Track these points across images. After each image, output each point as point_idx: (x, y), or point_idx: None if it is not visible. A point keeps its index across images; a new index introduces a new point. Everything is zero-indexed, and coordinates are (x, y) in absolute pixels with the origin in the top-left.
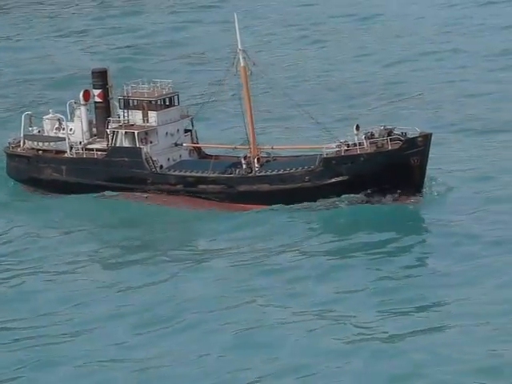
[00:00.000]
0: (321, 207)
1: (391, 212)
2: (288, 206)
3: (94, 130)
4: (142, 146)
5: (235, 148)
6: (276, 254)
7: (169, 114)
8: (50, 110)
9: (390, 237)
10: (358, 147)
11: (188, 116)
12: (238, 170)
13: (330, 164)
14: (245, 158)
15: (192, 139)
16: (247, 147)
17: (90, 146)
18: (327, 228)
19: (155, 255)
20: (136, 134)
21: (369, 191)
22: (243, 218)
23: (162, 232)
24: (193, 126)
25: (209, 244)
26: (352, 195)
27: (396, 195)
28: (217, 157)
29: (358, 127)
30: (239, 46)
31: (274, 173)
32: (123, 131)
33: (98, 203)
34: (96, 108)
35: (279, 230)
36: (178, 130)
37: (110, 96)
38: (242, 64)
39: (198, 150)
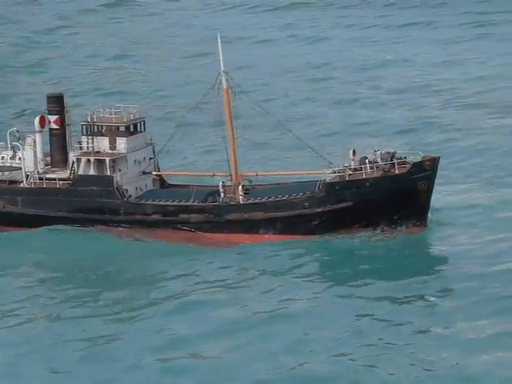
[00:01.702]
0: (321, 235)
1: (396, 242)
2: (285, 235)
3: (47, 158)
4: (113, 174)
5: (213, 175)
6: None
7: (137, 140)
8: None
9: (391, 269)
10: (363, 171)
11: (151, 143)
12: (220, 199)
13: (333, 189)
14: (223, 186)
15: (154, 168)
16: (227, 174)
17: (49, 176)
18: (332, 258)
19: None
20: (107, 161)
21: (373, 218)
22: (234, 251)
23: (143, 270)
24: (154, 154)
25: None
26: (355, 222)
27: (401, 222)
28: (186, 186)
29: (354, 152)
30: (222, 68)
31: (269, 199)
32: (87, 158)
33: (62, 237)
34: (52, 135)
35: (275, 262)
36: (144, 158)
37: (67, 122)
38: (224, 86)
39: (161, 179)
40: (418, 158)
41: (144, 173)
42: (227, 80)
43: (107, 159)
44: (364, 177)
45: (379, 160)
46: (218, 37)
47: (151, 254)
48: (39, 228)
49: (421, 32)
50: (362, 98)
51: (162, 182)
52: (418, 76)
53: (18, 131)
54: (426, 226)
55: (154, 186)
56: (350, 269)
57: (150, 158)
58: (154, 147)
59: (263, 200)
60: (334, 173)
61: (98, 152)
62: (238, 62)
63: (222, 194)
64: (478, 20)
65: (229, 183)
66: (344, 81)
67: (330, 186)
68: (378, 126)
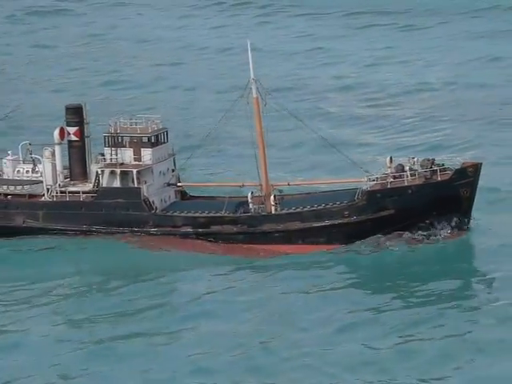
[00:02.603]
0: (363, 245)
1: (439, 249)
2: (325, 246)
3: (65, 171)
4: (140, 186)
5: (243, 186)
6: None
7: (161, 151)
8: (9, 152)
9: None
10: (405, 179)
11: (173, 154)
12: (252, 209)
13: (375, 197)
14: (252, 196)
15: (176, 179)
16: (257, 184)
17: (72, 189)
18: (373, 269)
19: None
20: (134, 173)
21: (415, 226)
22: (273, 262)
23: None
24: (175, 165)
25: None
26: (396, 230)
27: (443, 230)
28: (210, 198)
29: (391, 159)
30: (252, 76)
31: (306, 209)
32: (112, 170)
33: (87, 250)
34: (71, 147)
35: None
36: (168, 169)
37: (87, 134)
38: (254, 95)
39: (182, 191)
40: (457, 164)
41: (169, 184)
42: (257, 88)
43: (134, 171)
44: (406, 184)
45: (416, 167)
46: (248, 44)
47: (186, 265)
48: (63, 240)
49: None
50: None
51: (182, 193)
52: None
53: (30, 144)
54: (467, 231)
55: (176, 197)
56: (397, 276)
57: (173, 170)
58: (174, 158)
59: (299, 210)
60: (374, 181)
61: (123, 164)
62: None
63: (250, 205)
64: None
65: (258, 193)
66: None
67: (371, 194)
68: None
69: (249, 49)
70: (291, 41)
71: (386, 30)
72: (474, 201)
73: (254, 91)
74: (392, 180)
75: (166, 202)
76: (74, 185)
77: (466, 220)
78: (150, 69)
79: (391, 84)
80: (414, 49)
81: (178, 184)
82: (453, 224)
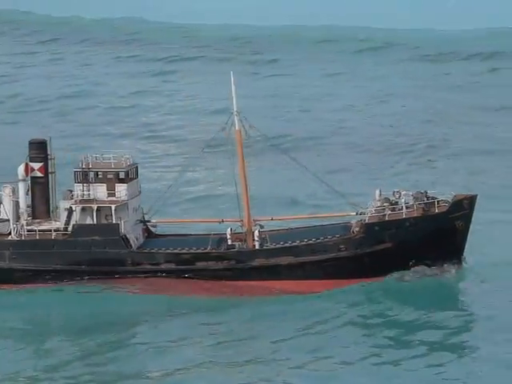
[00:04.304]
0: (357, 279)
1: (431, 286)
2: (320, 281)
3: (28, 209)
4: (118, 222)
5: (222, 221)
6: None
7: (134, 187)
8: None
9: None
10: (403, 211)
11: (140, 191)
12: (237, 245)
13: (372, 230)
14: (232, 233)
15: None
16: (238, 220)
17: (43, 227)
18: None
19: None
20: (113, 209)
21: (412, 260)
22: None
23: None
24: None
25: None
26: (393, 265)
27: (439, 265)
28: (178, 235)
29: (380, 192)
30: (234, 108)
31: (300, 243)
32: (84, 207)
33: (61, 293)
34: (35, 183)
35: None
36: (138, 206)
37: (52, 170)
38: (236, 127)
39: (147, 229)
40: (449, 197)
41: (141, 221)
42: (240, 120)
43: (112, 206)
44: (404, 216)
45: (402, 201)
46: (231, 76)
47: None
48: (33, 284)
49: None
50: None
51: (149, 232)
52: None
53: None
54: (461, 265)
55: (143, 236)
56: (395, 313)
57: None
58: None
59: (293, 244)
60: (363, 214)
61: (93, 200)
62: None
63: (229, 241)
64: None
65: (238, 230)
66: None
67: (369, 227)
68: None
69: (231, 81)
70: None
71: None
72: (467, 235)
73: (236, 124)
74: (390, 212)
75: (138, 239)
76: (39, 223)
77: (461, 253)
78: None
79: None
80: None
81: (153, 221)
82: (447, 258)
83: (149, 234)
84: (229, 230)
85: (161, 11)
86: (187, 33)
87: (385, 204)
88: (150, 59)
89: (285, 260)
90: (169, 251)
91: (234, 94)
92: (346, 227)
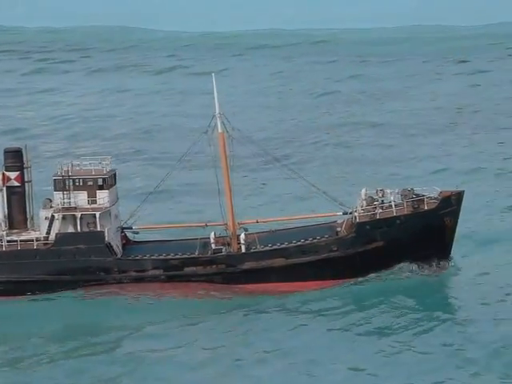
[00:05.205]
0: (349, 279)
1: (421, 283)
2: (312, 282)
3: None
4: (103, 230)
5: (206, 226)
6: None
7: (114, 193)
8: None
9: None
10: (393, 209)
11: (118, 197)
12: (223, 249)
13: (364, 229)
14: (216, 236)
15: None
16: (222, 223)
17: (24, 237)
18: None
19: None
20: (97, 216)
21: (402, 258)
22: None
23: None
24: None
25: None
26: (384, 264)
27: (429, 262)
28: (157, 242)
29: (366, 191)
30: (217, 110)
31: (290, 244)
32: (64, 215)
33: (47, 304)
34: (12, 193)
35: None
36: (118, 212)
37: (28, 178)
38: (219, 130)
39: (125, 236)
40: (435, 194)
41: (123, 228)
42: (223, 123)
43: (97, 213)
44: (395, 214)
45: (386, 199)
46: (213, 78)
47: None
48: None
49: None
50: None
51: (126, 239)
52: None
53: None
54: (450, 261)
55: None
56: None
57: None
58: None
59: (283, 246)
60: (348, 214)
61: (76, 208)
62: None
63: (213, 246)
64: None
65: (222, 233)
66: None
67: (361, 226)
68: None
69: (213, 83)
70: None
71: None
72: (455, 231)
73: (219, 126)
74: (381, 211)
75: (118, 246)
76: (17, 233)
77: (449, 250)
78: None
79: None
80: None
81: (134, 227)
82: (436, 254)
83: (126, 241)
84: (212, 234)
85: None
86: None
87: (375, 203)
88: None
89: (276, 262)
90: (155, 257)
91: (215, 95)
92: (331, 227)
